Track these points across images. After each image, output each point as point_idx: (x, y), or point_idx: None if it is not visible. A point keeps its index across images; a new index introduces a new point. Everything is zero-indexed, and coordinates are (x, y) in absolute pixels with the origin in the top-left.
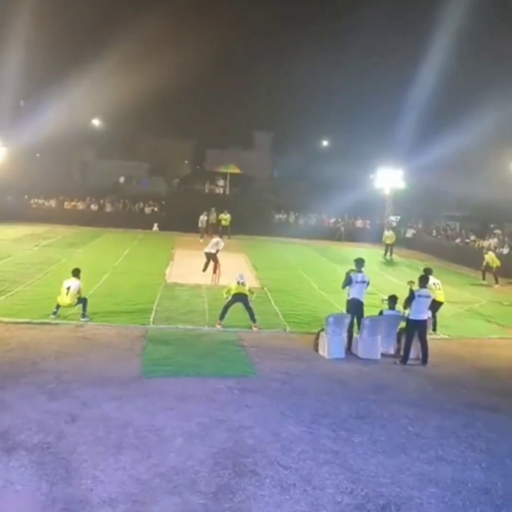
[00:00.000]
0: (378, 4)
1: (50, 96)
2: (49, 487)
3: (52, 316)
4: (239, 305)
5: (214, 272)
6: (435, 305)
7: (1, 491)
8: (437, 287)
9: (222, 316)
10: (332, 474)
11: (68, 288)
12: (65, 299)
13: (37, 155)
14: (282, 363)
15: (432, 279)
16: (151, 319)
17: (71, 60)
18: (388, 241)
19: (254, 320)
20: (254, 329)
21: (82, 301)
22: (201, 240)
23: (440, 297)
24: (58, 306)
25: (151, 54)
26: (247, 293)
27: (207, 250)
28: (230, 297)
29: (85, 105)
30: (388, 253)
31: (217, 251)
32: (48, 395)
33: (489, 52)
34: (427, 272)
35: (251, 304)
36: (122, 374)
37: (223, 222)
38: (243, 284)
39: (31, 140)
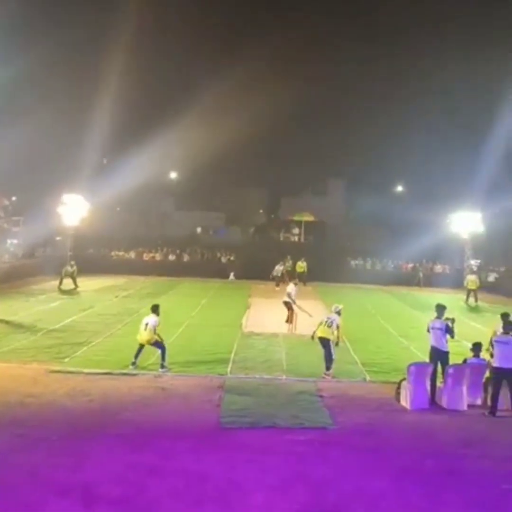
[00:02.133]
0: (453, 49)
1: (131, 153)
2: None
3: (131, 367)
4: (316, 351)
5: (290, 321)
6: None
7: None
8: None
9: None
10: None
11: (146, 324)
12: (143, 335)
13: (118, 208)
14: (363, 414)
15: None
16: (229, 369)
17: (150, 118)
18: (471, 286)
19: (327, 368)
20: (325, 376)
21: (161, 348)
22: (277, 288)
23: None
24: (138, 352)
25: (225, 108)
26: (331, 337)
27: (286, 299)
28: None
29: (163, 159)
30: (472, 299)
31: (293, 299)
32: (129, 446)
33: None
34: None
35: (332, 350)
36: (200, 425)
37: (299, 270)
38: (329, 324)
39: (113, 195)
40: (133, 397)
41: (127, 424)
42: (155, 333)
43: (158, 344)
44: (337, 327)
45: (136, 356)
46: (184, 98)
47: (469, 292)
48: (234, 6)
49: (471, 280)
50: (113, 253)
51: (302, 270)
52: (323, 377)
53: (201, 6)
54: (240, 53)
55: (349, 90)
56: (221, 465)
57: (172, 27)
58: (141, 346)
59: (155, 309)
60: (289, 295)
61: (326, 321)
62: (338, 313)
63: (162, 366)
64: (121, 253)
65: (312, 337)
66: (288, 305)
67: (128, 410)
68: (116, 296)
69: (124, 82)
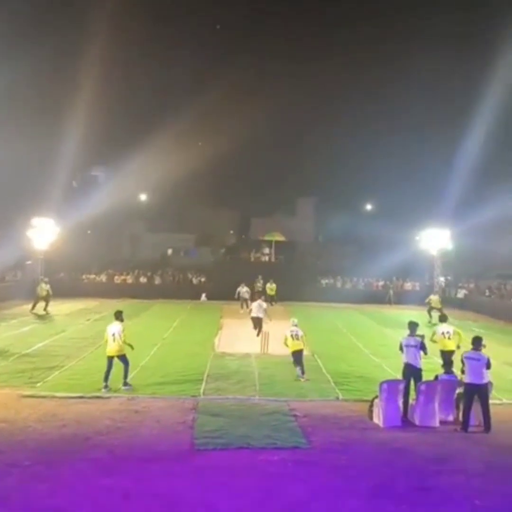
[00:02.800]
0: (421, 71)
1: (100, 175)
2: None
3: (103, 390)
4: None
5: (257, 335)
6: (446, 355)
7: None
8: (446, 336)
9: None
10: None
11: (114, 334)
12: (112, 346)
13: (88, 232)
14: (336, 433)
15: (444, 327)
16: (202, 390)
17: (119, 141)
18: (436, 305)
19: (303, 372)
20: (305, 379)
21: (125, 363)
22: (241, 311)
23: (450, 346)
24: (107, 371)
25: (194, 131)
26: (302, 347)
27: (253, 314)
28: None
29: (134, 181)
30: (436, 313)
31: (264, 314)
32: (101, 470)
33: None
34: (442, 319)
35: (303, 358)
36: (174, 448)
37: (269, 292)
38: (296, 336)
39: (83, 218)
40: (106, 420)
41: (100, 448)
42: (122, 341)
43: (124, 359)
44: (302, 336)
45: (106, 377)
46: (154, 121)
47: (431, 309)
48: (206, 33)
49: (434, 300)
50: (84, 277)
51: (272, 293)
52: (305, 380)
53: (175, 30)
54: (210, 77)
55: (317, 110)
56: (195, 488)
57: (145, 51)
58: (110, 360)
59: (118, 316)
60: (265, 310)
61: (293, 335)
62: (296, 325)
63: (125, 384)
64: (92, 276)
65: (284, 343)
66: (258, 321)
67: (101, 434)
68: (88, 320)
69: (94, 105)
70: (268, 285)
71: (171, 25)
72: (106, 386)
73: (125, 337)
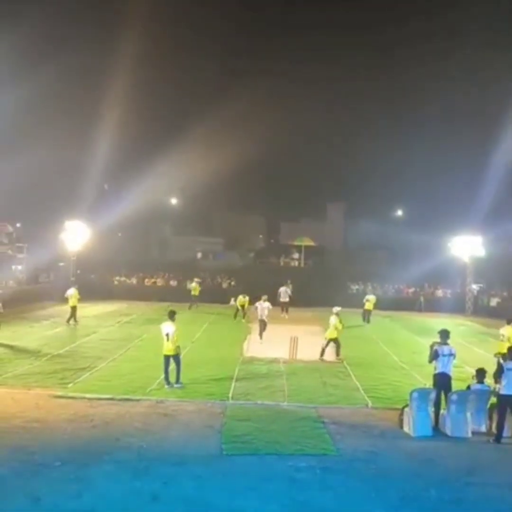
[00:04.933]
0: (453, 73)
1: (131, 178)
2: None
3: (166, 387)
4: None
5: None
6: None
7: None
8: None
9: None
10: None
11: (167, 335)
12: (167, 346)
13: (119, 234)
14: (365, 441)
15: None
16: (230, 395)
17: (150, 145)
18: (369, 306)
19: (338, 354)
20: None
21: (177, 363)
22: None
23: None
24: (166, 368)
25: (224, 135)
26: (336, 334)
27: (282, 299)
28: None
29: (163, 184)
30: (366, 319)
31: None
32: (130, 473)
33: None
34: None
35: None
36: (202, 452)
37: (240, 303)
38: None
39: (113, 220)
40: (136, 423)
41: (129, 450)
42: (175, 341)
43: (177, 358)
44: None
45: (166, 376)
46: (183, 125)
47: (365, 312)
48: (234, 39)
49: (370, 300)
50: (114, 279)
51: (242, 304)
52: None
53: (203, 35)
54: (239, 82)
55: (348, 116)
56: (223, 493)
57: (173, 57)
58: (167, 359)
59: (171, 315)
60: (289, 296)
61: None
62: (337, 313)
63: (177, 381)
64: (122, 279)
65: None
66: (286, 305)
67: (130, 435)
68: (118, 322)
69: (124, 110)
70: (240, 297)
71: (199, 30)
72: (168, 383)
73: (175, 338)
